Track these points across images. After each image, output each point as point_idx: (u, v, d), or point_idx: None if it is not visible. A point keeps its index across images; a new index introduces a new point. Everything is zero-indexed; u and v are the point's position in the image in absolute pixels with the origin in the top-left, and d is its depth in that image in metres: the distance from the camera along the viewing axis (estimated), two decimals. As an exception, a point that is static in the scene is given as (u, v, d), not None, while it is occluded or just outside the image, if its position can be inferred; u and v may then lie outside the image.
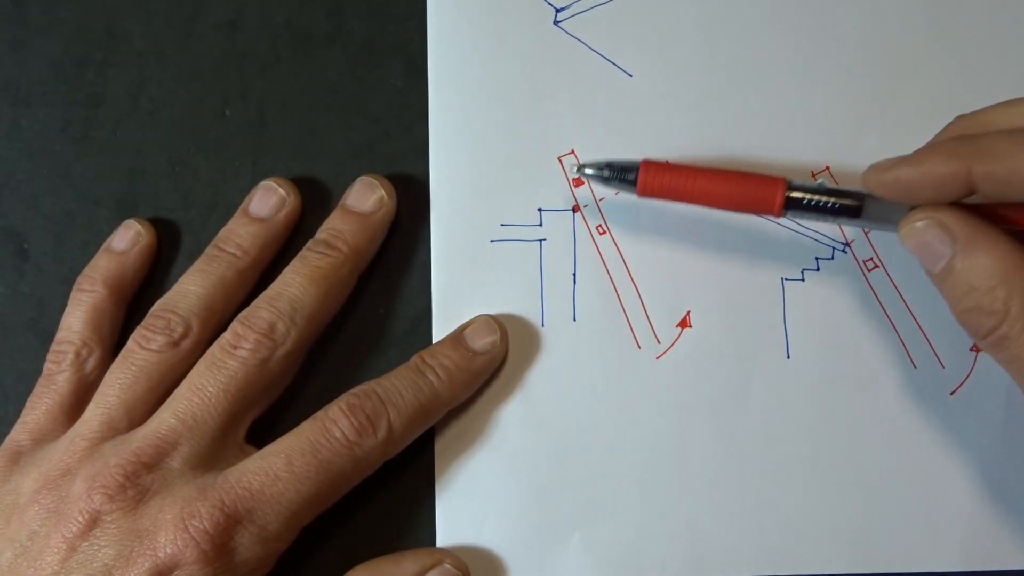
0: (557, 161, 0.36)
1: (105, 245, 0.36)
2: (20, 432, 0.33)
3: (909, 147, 0.30)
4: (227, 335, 0.33)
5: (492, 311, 0.35)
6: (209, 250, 0.35)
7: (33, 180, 0.37)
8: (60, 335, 0.34)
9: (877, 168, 0.29)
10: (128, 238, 0.35)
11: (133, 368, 0.32)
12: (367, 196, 0.35)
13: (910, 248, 0.29)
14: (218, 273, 0.34)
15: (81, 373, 0.34)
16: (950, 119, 0.31)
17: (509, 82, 0.37)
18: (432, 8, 0.37)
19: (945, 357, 0.35)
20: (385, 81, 0.37)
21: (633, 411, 0.35)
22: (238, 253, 0.34)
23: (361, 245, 0.35)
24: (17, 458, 0.32)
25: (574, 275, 0.36)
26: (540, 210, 0.36)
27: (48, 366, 0.34)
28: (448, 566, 0.33)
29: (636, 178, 0.32)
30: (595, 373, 0.35)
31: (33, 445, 0.33)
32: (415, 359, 0.34)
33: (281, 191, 0.35)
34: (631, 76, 0.37)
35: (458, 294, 0.36)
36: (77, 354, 0.34)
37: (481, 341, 0.34)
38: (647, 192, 0.32)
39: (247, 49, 0.38)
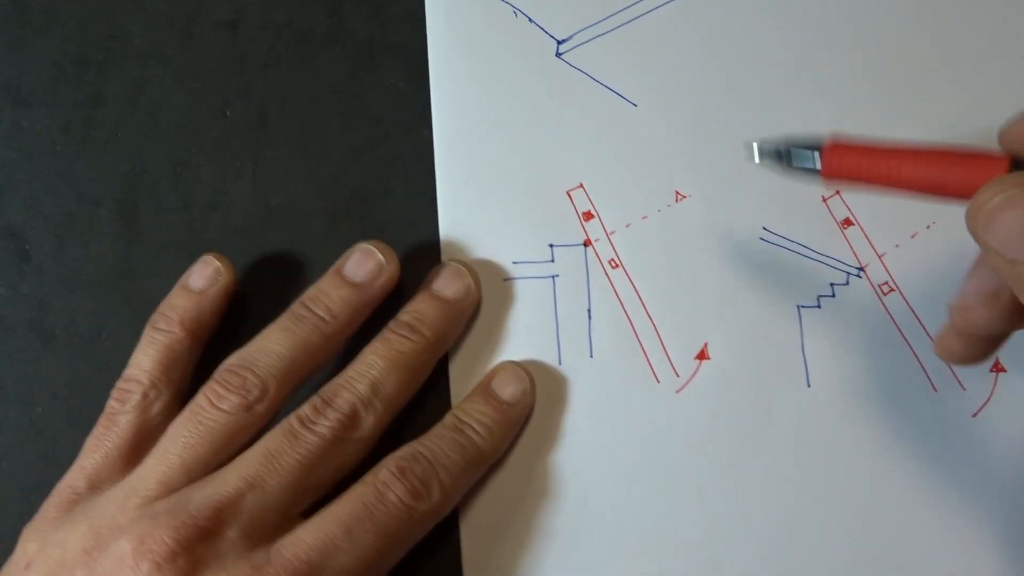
0: (566, 195, 0.36)
1: (182, 281, 0.34)
2: (77, 477, 0.31)
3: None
4: (306, 409, 0.31)
5: (508, 350, 0.35)
6: (296, 308, 0.33)
7: (34, 181, 0.37)
8: (128, 372, 0.32)
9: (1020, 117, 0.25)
10: (207, 276, 0.34)
11: (200, 427, 0.30)
12: (453, 283, 0.34)
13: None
14: (303, 335, 0.32)
15: (146, 416, 0.32)
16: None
17: (514, 117, 0.36)
18: (432, 45, 0.37)
19: (965, 379, 0.34)
20: (385, 81, 0.37)
21: (655, 446, 0.34)
22: (327, 317, 0.32)
23: (444, 332, 0.33)
24: (72, 506, 0.31)
25: (589, 311, 0.35)
26: (551, 246, 0.35)
27: (111, 404, 0.32)
28: None
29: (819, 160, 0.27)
30: (615, 409, 0.34)
31: (89, 491, 0.31)
32: (451, 417, 0.33)
33: (380, 257, 0.34)
34: (636, 106, 0.36)
35: (474, 334, 0.35)
36: (144, 395, 0.32)
37: (511, 391, 0.33)
38: (834, 173, 0.27)
39: (247, 49, 0.38)
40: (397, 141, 0.37)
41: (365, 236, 0.36)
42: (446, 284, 0.34)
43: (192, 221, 0.37)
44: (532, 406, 0.34)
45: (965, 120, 0.36)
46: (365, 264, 0.33)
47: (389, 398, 0.32)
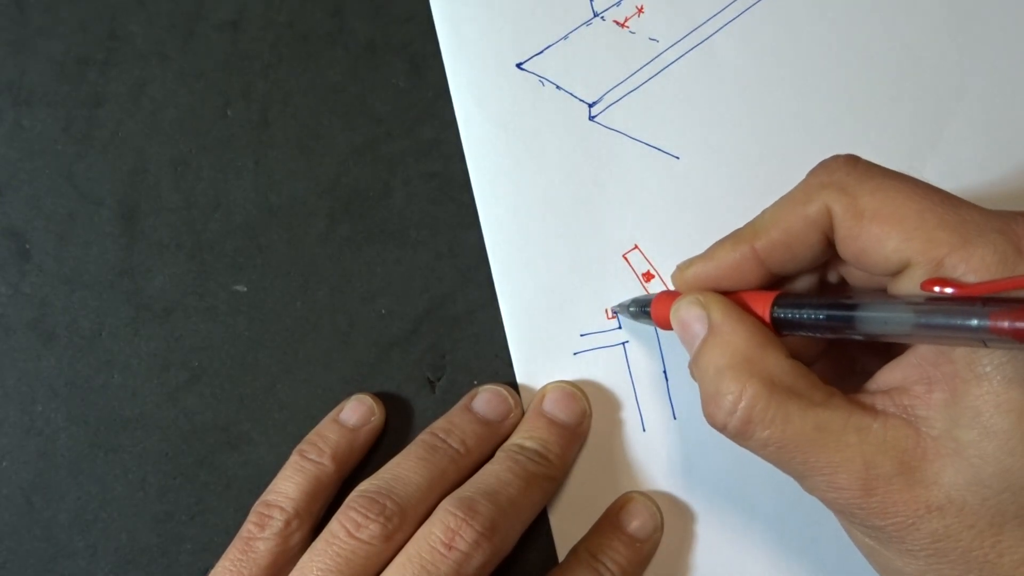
0: (623, 259, 0.35)
1: (334, 415, 0.34)
2: None
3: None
4: (439, 531, 0.29)
5: (592, 428, 0.34)
6: (429, 438, 0.33)
7: (35, 180, 0.37)
8: (271, 497, 0.32)
9: (679, 268, 0.29)
10: (360, 414, 0.34)
11: (338, 559, 0.30)
12: (572, 407, 0.34)
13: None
14: (440, 467, 0.32)
15: (285, 545, 0.31)
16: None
17: (557, 189, 0.36)
18: (465, 131, 0.36)
19: None
20: (387, 81, 0.37)
21: (754, 499, 0.33)
22: (461, 450, 0.32)
23: (569, 459, 0.34)
24: None
25: (664, 372, 0.34)
26: (616, 312, 0.35)
27: (249, 527, 0.32)
28: None
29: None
30: (706, 468, 0.34)
31: None
32: (585, 554, 0.33)
33: (510, 401, 0.34)
34: (678, 158, 0.36)
35: None
36: (287, 523, 0.31)
37: (637, 524, 0.33)
38: (665, 324, 0.31)
39: (249, 49, 0.38)
40: (397, 141, 0.37)
41: (365, 236, 0.36)
42: (564, 408, 0.34)
43: (193, 221, 0.37)
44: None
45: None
46: (494, 405, 0.34)
47: (525, 519, 0.32)
